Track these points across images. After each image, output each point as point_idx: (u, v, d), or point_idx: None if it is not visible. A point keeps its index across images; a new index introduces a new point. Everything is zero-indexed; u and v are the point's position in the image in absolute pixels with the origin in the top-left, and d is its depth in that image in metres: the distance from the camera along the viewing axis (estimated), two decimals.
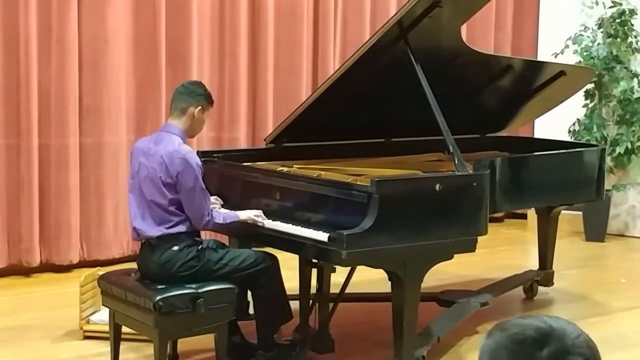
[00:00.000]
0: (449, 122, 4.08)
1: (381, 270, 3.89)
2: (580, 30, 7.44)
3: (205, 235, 5.08)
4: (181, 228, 3.88)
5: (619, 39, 7.40)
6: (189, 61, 6.34)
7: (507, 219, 8.05)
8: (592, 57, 7.32)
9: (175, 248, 3.85)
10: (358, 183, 3.91)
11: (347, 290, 4.49)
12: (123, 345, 4.11)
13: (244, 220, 4.02)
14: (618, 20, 7.40)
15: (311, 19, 6.94)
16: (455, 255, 3.95)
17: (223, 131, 6.61)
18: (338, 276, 4.38)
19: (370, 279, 4.72)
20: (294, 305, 4.27)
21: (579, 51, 7.37)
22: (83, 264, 5.95)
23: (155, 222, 3.88)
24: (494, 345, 1.43)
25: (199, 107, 3.99)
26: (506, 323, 1.45)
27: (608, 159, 7.18)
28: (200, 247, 3.90)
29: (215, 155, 4.64)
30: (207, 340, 3.99)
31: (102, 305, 4.24)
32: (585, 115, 7.50)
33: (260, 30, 6.69)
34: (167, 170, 3.84)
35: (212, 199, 4.14)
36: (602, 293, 5.75)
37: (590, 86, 7.29)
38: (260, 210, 4.07)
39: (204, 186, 3.89)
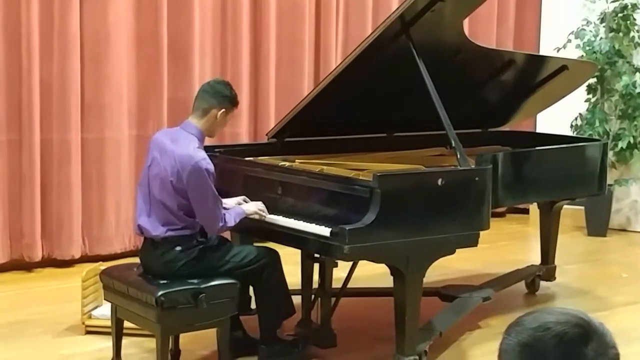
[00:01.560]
0: (451, 117, 4.08)
1: (383, 265, 3.88)
2: (582, 25, 7.43)
3: None
4: (185, 232, 3.85)
5: (621, 34, 7.39)
6: (191, 57, 6.33)
7: (509, 213, 8.04)
8: (594, 52, 7.31)
9: (178, 248, 3.83)
10: (360, 178, 3.91)
11: (349, 285, 4.49)
12: (125, 340, 4.12)
13: (250, 214, 4.00)
14: (620, 15, 7.39)
15: (313, 14, 6.93)
16: (457, 250, 3.95)
17: (225, 126, 6.60)
18: (340, 271, 4.38)
19: (373, 273, 4.71)
20: (296, 300, 4.27)
21: (582, 46, 7.36)
22: (85, 259, 5.95)
23: (160, 222, 3.85)
24: (530, 343, 1.39)
25: (222, 110, 3.91)
26: (538, 320, 1.42)
27: (610, 154, 7.16)
28: (202, 247, 3.89)
29: (217, 150, 4.64)
30: (209, 335, 3.99)
31: (104, 300, 4.25)
32: (587, 109, 7.49)
33: (262, 26, 6.68)
34: (179, 175, 3.77)
35: (240, 199, 4.10)
36: (604, 288, 5.74)
37: (592, 81, 7.27)
38: (260, 203, 4.06)
39: (216, 193, 3.81)
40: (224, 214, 3.86)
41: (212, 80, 4.13)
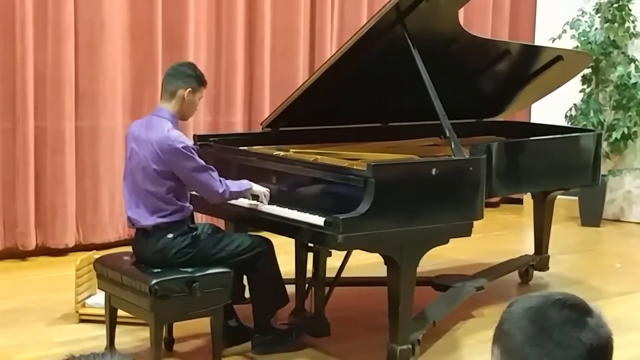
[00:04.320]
0: (445, 107, 4.08)
1: (377, 255, 3.89)
2: (577, 15, 7.43)
3: (201, 219, 5.10)
4: (176, 217, 3.85)
5: (616, 24, 7.39)
6: (185, 45, 6.31)
7: (503, 203, 8.05)
8: (589, 42, 7.31)
9: (170, 236, 3.83)
10: (354, 167, 3.91)
11: (343, 275, 4.50)
12: (119, 329, 4.12)
13: (256, 192, 3.99)
14: (616, 5, 7.39)
15: (308, 3, 6.92)
16: (451, 240, 3.96)
17: (220, 115, 6.60)
18: (334, 260, 4.39)
19: (366, 263, 4.72)
20: (290, 289, 4.27)
21: (577, 36, 7.36)
22: (79, 247, 5.94)
23: (149, 211, 3.84)
24: (535, 305, 1.45)
25: (189, 89, 3.90)
26: (539, 292, 1.49)
27: (604, 144, 7.18)
28: (194, 233, 3.89)
29: (212, 139, 4.63)
30: (203, 324, 4.00)
31: (98, 288, 4.25)
32: (582, 100, 7.50)
33: (257, 14, 6.67)
34: (159, 158, 3.78)
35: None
36: (597, 278, 5.76)
37: (587, 71, 7.28)
38: (268, 190, 4.06)
39: (203, 162, 3.83)
40: (222, 179, 3.86)
41: (174, 64, 4.11)
